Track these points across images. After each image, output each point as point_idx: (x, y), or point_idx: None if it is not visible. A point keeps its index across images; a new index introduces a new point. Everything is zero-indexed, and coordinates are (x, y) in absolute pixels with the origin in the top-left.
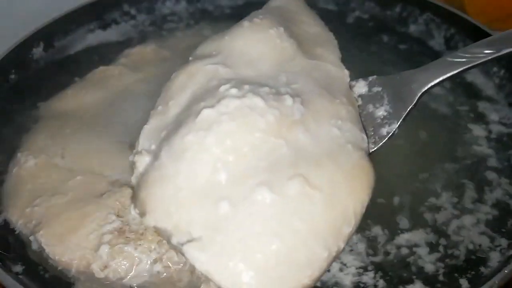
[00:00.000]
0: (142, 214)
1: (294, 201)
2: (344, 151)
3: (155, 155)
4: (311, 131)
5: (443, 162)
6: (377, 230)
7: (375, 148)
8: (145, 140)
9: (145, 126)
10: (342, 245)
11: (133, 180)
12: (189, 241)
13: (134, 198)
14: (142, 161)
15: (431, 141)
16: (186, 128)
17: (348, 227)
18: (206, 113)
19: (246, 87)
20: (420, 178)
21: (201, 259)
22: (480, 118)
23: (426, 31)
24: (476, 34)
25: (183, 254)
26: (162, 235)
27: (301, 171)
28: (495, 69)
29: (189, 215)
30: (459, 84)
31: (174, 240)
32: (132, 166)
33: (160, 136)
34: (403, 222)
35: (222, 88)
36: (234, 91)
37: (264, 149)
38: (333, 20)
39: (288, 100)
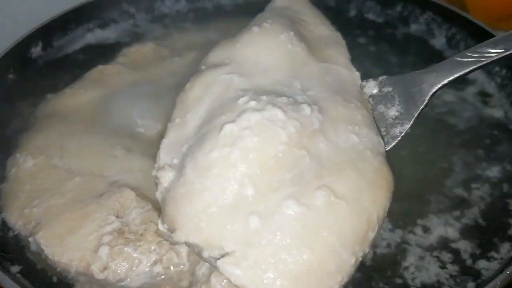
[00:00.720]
0: (172, 230)
1: (321, 212)
2: (364, 158)
3: (180, 170)
4: (331, 139)
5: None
6: None
7: (388, 148)
8: (166, 154)
9: (164, 140)
10: (367, 250)
11: (158, 195)
12: (222, 255)
13: (162, 214)
14: (166, 177)
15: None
16: (210, 144)
17: (373, 233)
18: (229, 129)
19: (264, 98)
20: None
21: (236, 273)
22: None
23: (427, 30)
24: (477, 33)
25: (216, 268)
26: (193, 249)
27: (326, 182)
28: (497, 68)
29: (220, 230)
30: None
31: (206, 254)
32: (156, 181)
33: (182, 150)
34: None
35: (241, 100)
36: (253, 103)
37: (288, 161)
38: (333, 18)
39: (307, 110)
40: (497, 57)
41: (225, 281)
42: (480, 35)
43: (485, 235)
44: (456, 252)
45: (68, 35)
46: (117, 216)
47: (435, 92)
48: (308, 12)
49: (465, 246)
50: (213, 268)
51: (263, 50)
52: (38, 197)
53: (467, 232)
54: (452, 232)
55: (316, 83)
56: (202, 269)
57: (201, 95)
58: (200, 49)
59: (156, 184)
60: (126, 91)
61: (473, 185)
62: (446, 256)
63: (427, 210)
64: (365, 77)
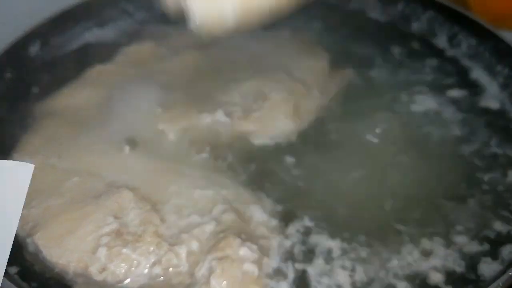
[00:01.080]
0: None
1: None
2: None
3: None
4: None
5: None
6: None
7: None
8: None
9: None
10: None
11: None
12: None
13: None
14: None
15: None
16: None
17: None
18: None
19: None
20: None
21: None
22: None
23: (429, 29)
24: (480, 33)
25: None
26: None
27: None
28: (499, 68)
29: None
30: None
31: None
32: None
33: None
34: None
35: None
36: None
37: None
38: (333, 15)
39: None
40: None
41: (224, 282)
42: (482, 34)
43: None
44: None
45: (66, 34)
46: (116, 217)
47: None
48: None
49: None
50: (213, 269)
51: None
52: (36, 197)
53: None
54: None
55: None
56: (202, 270)
57: None
58: (199, 49)
59: None
60: (125, 91)
61: None
62: None
63: None
64: (366, 74)
